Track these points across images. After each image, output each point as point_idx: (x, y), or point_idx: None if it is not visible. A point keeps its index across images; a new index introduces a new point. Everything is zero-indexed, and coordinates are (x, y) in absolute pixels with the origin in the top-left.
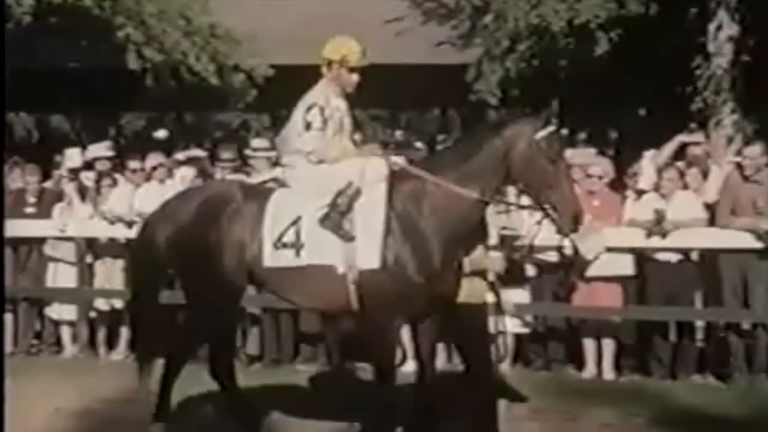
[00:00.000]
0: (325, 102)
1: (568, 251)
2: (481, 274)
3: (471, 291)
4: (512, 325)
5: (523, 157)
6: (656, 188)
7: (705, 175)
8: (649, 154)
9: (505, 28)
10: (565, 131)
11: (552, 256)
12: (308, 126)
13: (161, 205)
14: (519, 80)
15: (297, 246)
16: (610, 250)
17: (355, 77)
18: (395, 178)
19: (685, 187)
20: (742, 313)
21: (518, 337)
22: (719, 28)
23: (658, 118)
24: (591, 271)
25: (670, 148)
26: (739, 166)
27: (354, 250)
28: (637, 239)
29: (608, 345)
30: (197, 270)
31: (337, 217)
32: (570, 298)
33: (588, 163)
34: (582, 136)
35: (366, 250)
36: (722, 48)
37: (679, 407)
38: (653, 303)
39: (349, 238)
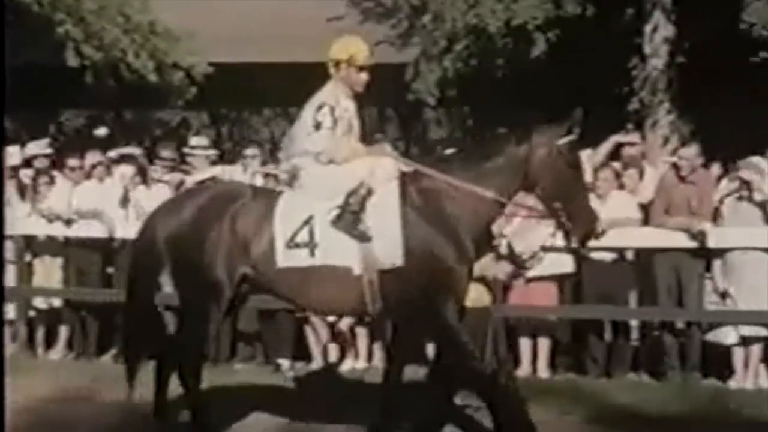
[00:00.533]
0: (335, 102)
1: (503, 250)
2: (482, 279)
3: (476, 296)
4: None
5: (544, 163)
6: (592, 188)
7: (641, 175)
8: (585, 154)
9: (443, 28)
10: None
11: None
12: (318, 126)
13: (165, 202)
14: (457, 80)
15: (311, 246)
16: (546, 249)
17: (363, 76)
18: (407, 178)
19: (621, 187)
20: (675, 311)
21: None
22: (655, 29)
23: (595, 119)
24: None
25: (605, 148)
26: (675, 167)
27: (372, 250)
28: None
29: (544, 344)
30: (193, 266)
31: (350, 217)
32: (506, 297)
33: None
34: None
35: (386, 249)
36: (658, 49)
37: (613, 405)
38: (588, 302)
39: (365, 238)
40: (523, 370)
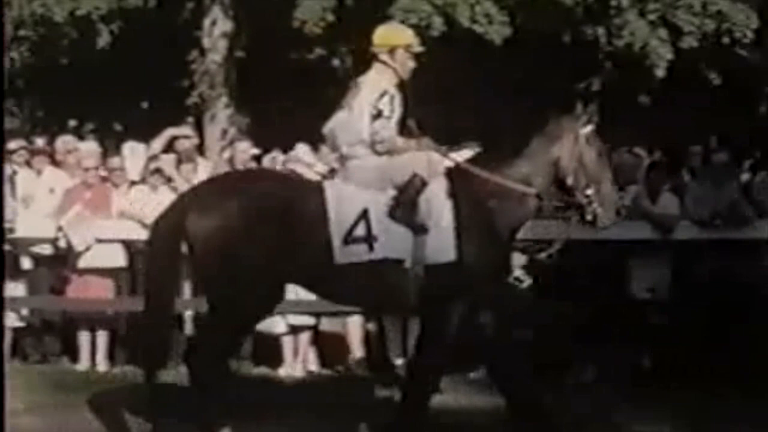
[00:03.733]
0: (394, 90)
1: (62, 243)
2: None
3: None
4: (11, 320)
5: (573, 153)
6: (145, 180)
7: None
8: (128, 146)
9: (9, 15)
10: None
11: (46, 249)
12: (379, 114)
13: (189, 200)
14: (23, 70)
15: (369, 240)
16: (101, 241)
17: (413, 63)
18: (453, 173)
19: (170, 180)
20: None
21: (15, 331)
22: (214, 23)
23: (160, 112)
24: (83, 263)
25: (159, 141)
26: (230, 160)
27: (424, 244)
28: (132, 231)
29: (102, 336)
30: (235, 267)
31: (406, 209)
32: (64, 291)
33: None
34: (90, 126)
35: (438, 243)
36: (217, 43)
37: None
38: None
39: (423, 230)
40: (83, 364)
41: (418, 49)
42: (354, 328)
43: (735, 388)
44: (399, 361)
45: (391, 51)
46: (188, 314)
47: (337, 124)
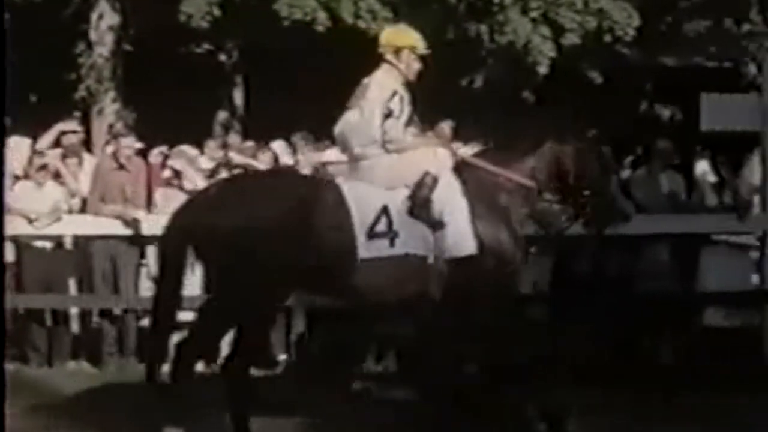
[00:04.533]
0: (403, 91)
1: None
2: None
3: None
4: None
5: (577, 158)
6: (29, 176)
7: (81, 163)
8: (13, 140)
9: None
10: None
11: None
12: (390, 114)
13: (208, 199)
14: None
15: (390, 235)
16: None
17: (419, 65)
18: (461, 168)
19: (57, 176)
20: (113, 299)
21: None
22: (101, 16)
23: (47, 106)
24: None
25: (48, 137)
26: (114, 155)
27: (443, 239)
28: (18, 226)
29: None
30: (254, 263)
31: (422, 207)
32: None
33: None
34: None
35: (458, 237)
36: (104, 37)
37: (56, 394)
38: (29, 291)
39: (441, 226)
40: None
41: (424, 51)
42: None
43: (615, 383)
44: (282, 357)
45: (397, 52)
46: None
47: (348, 125)
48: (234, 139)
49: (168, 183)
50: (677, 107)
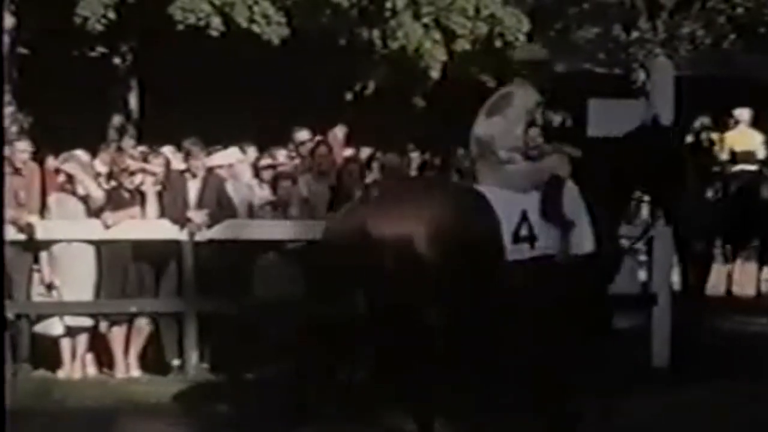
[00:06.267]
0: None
1: None
2: None
3: None
4: None
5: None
6: None
7: None
8: None
9: None
10: None
11: None
12: (533, 123)
13: (370, 206)
14: None
15: (531, 239)
16: None
17: (546, 77)
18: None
19: None
20: (6, 303)
21: None
22: None
23: None
24: None
25: None
26: (8, 159)
27: (569, 237)
28: None
29: None
30: (418, 266)
31: (554, 208)
32: None
33: None
34: None
35: (581, 236)
36: None
37: None
38: None
39: (571, 225)
40: None
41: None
42: (137, 329)
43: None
44: (175, 362)
45: (532, 66)
46: None
47: (493, 130)
48: (128, 143)
49: (62, 188)
50: (568, 113)
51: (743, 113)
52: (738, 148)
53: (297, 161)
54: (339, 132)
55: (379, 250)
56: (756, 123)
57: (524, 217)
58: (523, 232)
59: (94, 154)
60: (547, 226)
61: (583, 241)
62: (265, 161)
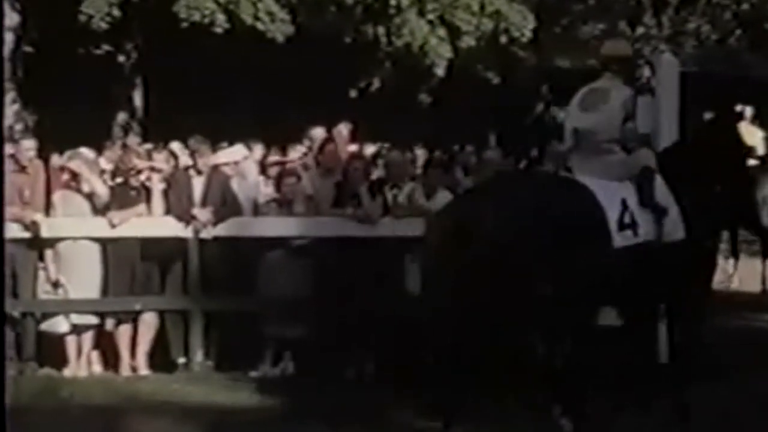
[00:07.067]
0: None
1: None
2: None
3: None
4: None
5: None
6: None
7: None
8: None
9: None
10: None
11: None
12: (628, 117)
13: (476, 200)
14: None
15: (634, 227)
16: None
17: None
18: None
19: None
20: (11, 302)
21: None
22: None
23: None
24: None
25: None
26: (14, 157)
27: (663, 224)
28: None
29: None
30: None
31: (650, 196)
32: None
33: None
34: None
35: (672, 223)
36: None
37: None
38: None
39: (664, 212)
40: None
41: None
42: (143, 326)
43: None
44: (181, 360)
45: (620, 61)
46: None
47: (596, 123)
48: (133, 140)
49: (67, 186)
50: None
51: (745, 110)
52: None
53: (307, 159)
54: (344, 129)
55: (493, 242)
56: (757, 119)
57: (625, 205)
58: (626, 219)
59: (99, 151)
60: (644, 213)
61: (676, 227)
62: (273, 158)
